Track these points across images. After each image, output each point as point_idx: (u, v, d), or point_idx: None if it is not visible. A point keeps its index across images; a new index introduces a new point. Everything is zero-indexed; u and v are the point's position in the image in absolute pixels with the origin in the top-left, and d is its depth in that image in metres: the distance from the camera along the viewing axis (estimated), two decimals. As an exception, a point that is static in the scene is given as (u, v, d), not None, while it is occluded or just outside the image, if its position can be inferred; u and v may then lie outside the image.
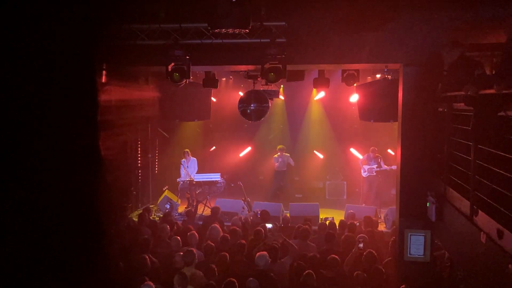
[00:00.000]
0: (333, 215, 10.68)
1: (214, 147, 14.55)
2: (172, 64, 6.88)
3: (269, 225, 8.59)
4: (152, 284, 5.36)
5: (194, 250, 6.33)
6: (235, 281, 5.35)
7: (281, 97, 12.91)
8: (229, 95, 13.56)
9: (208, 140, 14.70)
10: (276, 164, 12.99)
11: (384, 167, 12.07)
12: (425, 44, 6.54)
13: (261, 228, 7.69)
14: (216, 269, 5.92)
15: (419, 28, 6.55)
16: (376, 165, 12.03)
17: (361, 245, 6.64)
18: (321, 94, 12.86)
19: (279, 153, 12.97)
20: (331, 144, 14.13)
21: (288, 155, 13.12)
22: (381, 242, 7.84)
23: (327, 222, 8.80)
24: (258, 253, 6.10)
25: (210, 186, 12.08)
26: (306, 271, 5.69)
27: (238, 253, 6.64)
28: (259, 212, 9.50)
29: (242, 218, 9.30)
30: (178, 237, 7.22)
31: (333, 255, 6.26)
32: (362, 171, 12.37)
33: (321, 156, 14.13)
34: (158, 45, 6.84)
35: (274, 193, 12.86)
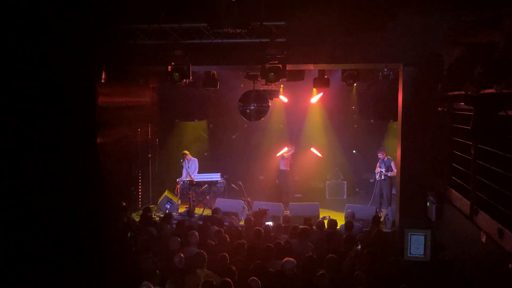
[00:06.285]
0: (333, 215, 10.66)
1: (213, 148, 14.54)
2: (172, 64, 6.88)
3: (269, 223, 8.58)
4: (150, 284, 5.34)
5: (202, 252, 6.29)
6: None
7: (284, 98, 12.75)
8: (229, 95, 13.56)
9: (208, 140, 14.69)
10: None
11: (394, 171, 11.07)
12: (425, 44, 6.53)
13: (261, 228, 7.68)
14: (235, 270, 5.86)
15: (419, 28, 6.55)
16: (384, 169, 11.32)
17: (359, 247, 6.63)
18: (317, 96, 12.50)
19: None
20: (331, 144, 14.12)
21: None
22: (386, 242, 7.83)
23: (325, 222, 8.78)
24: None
25: (210, 186, 12.08)
26: (320, 272, 5.64)
27: (238, 252, 6.63)
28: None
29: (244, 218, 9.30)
30: (178, 238, 7.20)
31: (331, 255, 6.24)
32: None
33: (319, 154, 13.76)
34: (158, 45, 6.85)
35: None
